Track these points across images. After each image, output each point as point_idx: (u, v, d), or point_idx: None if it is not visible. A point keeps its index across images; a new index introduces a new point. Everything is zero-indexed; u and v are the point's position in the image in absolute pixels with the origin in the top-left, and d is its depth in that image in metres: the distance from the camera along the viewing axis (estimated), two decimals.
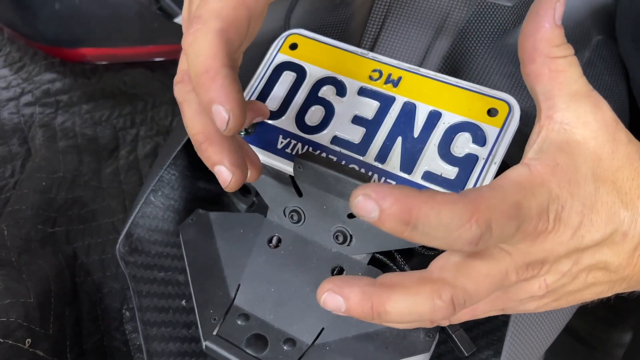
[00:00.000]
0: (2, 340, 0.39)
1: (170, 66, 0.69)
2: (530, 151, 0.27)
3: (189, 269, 0.39)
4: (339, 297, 0.23)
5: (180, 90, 0.31)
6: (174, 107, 0.63)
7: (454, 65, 0.41)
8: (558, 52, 0.26)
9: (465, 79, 0.36)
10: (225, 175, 0.29)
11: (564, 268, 0.27)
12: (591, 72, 0.44)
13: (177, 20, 0.68)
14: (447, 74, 0.37)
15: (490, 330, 0.39)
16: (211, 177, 0.50)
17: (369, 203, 0.21)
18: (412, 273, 0.24)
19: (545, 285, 0.27)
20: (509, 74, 0.41)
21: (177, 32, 0.67)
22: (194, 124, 0.30)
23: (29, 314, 0.41)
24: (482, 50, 0.41)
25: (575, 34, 0.46)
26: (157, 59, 0.70)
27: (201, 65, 0.26)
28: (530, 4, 0.34)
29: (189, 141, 0.41)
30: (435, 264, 0.25)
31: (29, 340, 0.40)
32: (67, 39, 0.68)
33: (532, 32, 0.27)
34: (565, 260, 0.26)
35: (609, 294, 0.30)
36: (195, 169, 0.49)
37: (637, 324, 0.61)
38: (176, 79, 0.31)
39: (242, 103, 0.26)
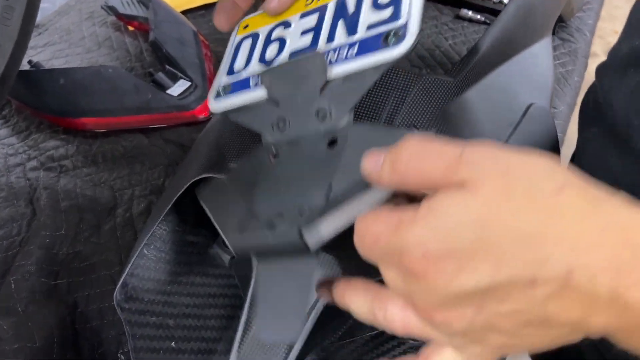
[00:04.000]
0: None
1: (163, 132, 0.73)
2: None
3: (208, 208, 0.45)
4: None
5: None
6: (166, 169, 0.67)
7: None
8: None
9: None
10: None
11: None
12: (520, 135, 0.52)
13: (169, 91, 0.73)
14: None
15: None
16: (198, 232, 0.56)
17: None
18: None
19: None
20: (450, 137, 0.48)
21: (168, 102, 0.72)
22: None
23: (34, 357, 0.46)
24: (427, 119, 0.48)
25: (507, 100, 0.54)
26: (152, 126, 0.73)
27: None
28: (470, 78, 0.42)
29: (179, 200, 0.47)
30: None
31: None
32: (70, 110, 0.71)
33: None
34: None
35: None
36: (184, 224, 0.55)
37: None
38: None
39: None
